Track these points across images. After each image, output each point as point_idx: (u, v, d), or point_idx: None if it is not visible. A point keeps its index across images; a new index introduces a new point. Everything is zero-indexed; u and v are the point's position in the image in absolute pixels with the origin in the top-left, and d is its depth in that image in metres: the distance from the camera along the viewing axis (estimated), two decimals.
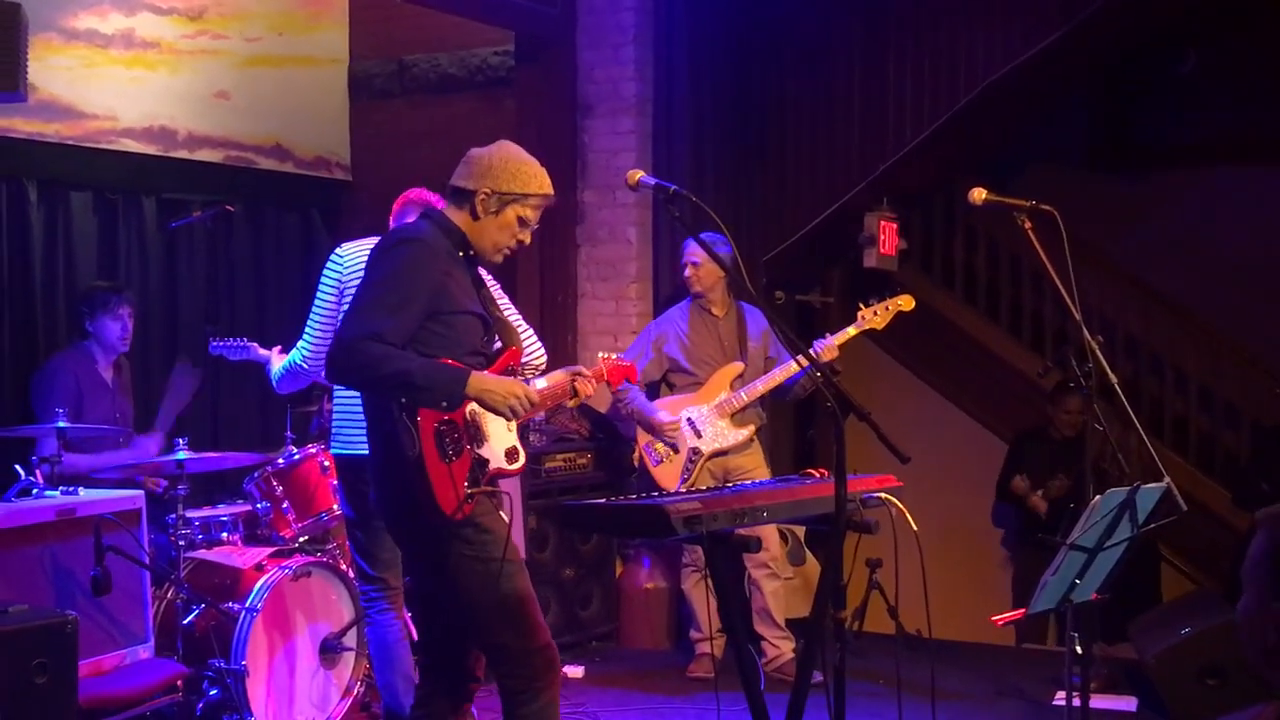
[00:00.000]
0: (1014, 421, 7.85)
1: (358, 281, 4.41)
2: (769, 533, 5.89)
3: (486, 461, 3.46)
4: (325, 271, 4.57)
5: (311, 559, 4.98)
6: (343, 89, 7.81)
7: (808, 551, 6.76)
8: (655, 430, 5.96)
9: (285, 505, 5.20)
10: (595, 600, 6.64)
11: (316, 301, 4.55)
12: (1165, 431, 7.82)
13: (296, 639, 4.91)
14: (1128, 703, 5.60)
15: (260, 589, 4.71)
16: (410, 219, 4.61)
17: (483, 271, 3.72)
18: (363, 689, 5.09)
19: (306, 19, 7.55)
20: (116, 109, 6.40)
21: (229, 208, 6.29)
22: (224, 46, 6.97)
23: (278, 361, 4.77)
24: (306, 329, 4.59)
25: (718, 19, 7.17)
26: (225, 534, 5.14)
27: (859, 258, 7.39)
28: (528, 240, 3.66)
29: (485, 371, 3.48)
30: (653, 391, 6.15)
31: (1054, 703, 5.60)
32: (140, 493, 4.68)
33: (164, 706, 4.51)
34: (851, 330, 5.81)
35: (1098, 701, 5.11)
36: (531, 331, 4.40)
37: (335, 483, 4.99)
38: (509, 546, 3.46)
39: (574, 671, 6.05)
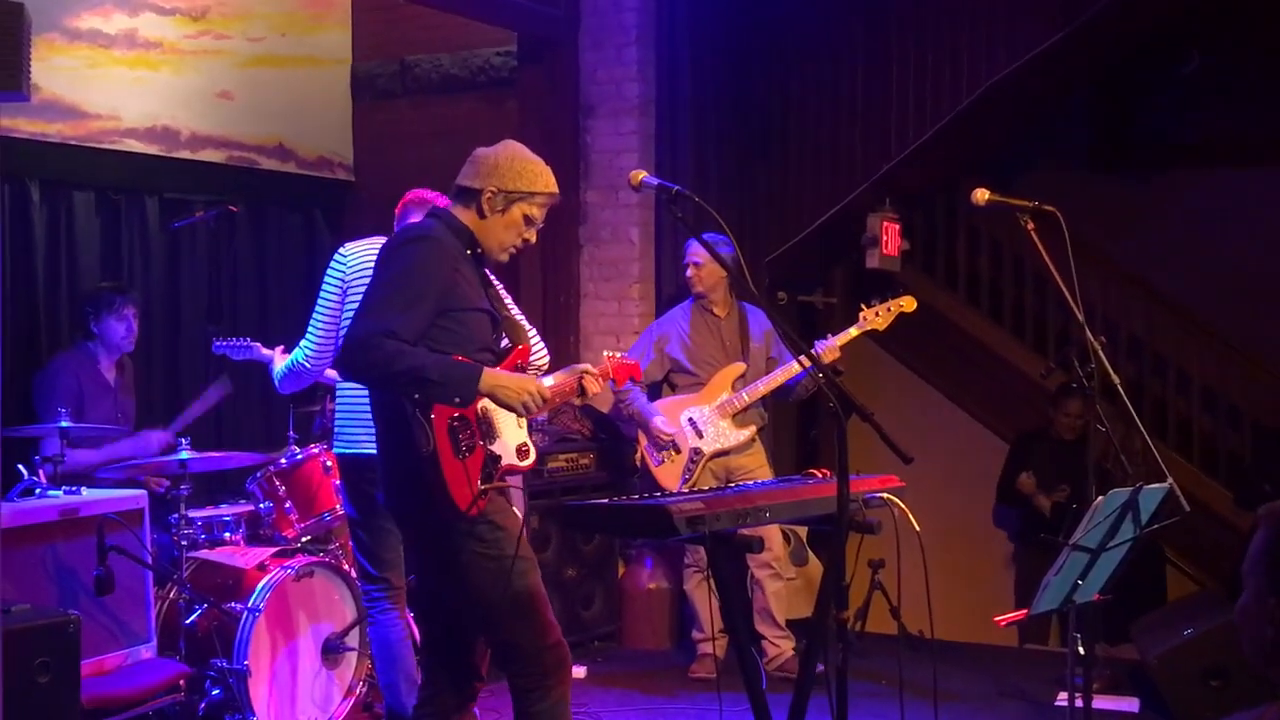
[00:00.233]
0: (1016, 422, 7.85)
1: (361, 281, 4.45)
2: (771, 533, 5.88)
3: (499, 458, 3.48)
4: (328, 271, 4.58)
5: (314, 559, 4.98)
6: (345, 89, 7.82)
7: (810, 552, 6.76)
8: (651, 435, 5.96)
9: (288, 505, 5.21)
10: (597, 600, 6.64)
11: (319, 301, 4.56)
12: (1168, 432, 7.82)
13: (299, 639, 4.91)
14: (1130, 704, 5.59)
15: (263, 589, 4.71)
16: (413, 219, 4.63)
17: (486, 271, 3.73)
18: (365, 689, 5.09)
19: (309, 19, 7.55)
20: (119, 109, 6.41)
21: (232, 208, 6.30)
22: (227, 46, 6.97)
23: (280, 362, 4.78)
24: (309, 329, 4.59)
25: (720, 20, 7.17)
26: (228, 534, 5.15)
27: (862, 258, 7.39)
28: (533, 239, 3.67)
29: (498, 368, 3.50)
30: (655, 392, 6.15)
31: (1056, 703, 5.59)
32: (143, 492, 4.69)
33: (166, 706, 4.51)
34: (853, 331, 5.81)
35: (1100, 702, 5.11)
36: (535, 332, 4.40)
37: (338, 482, 4.99)
38: (522, 543, 3.47)
39: (576, 672, 5.99)
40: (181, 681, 4.55)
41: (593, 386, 3.91)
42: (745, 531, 3.31)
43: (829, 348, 5.72)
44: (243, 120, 7.04)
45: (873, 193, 7.25)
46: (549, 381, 3.90)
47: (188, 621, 4.70)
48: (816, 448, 8.12)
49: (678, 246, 6.51)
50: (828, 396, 3.11)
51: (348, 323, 4.45)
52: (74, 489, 4.48)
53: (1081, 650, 4.07)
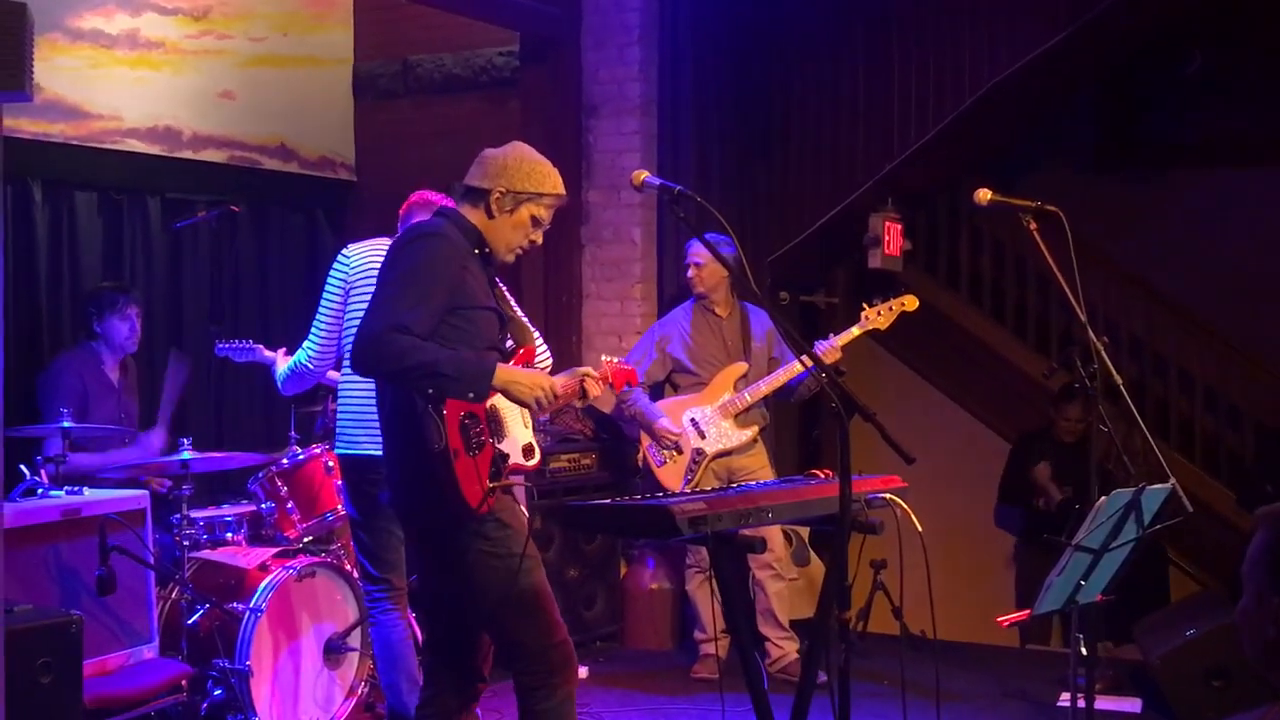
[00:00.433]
0: (1019, 422, 7.85)
1: (364, 283, 4.46)
2: (773, 533, 5.88)
3: (507, 456, 3.49)
4: (331, 272, 4.58)
5: (316, 559, 4.98)
6: (347, 89, 7.82)
7: (812, 552, 6.76)
8: (654, 435, 5.96)
9: (290, 505, 5.21)
10: (599, 601, 6.64)
11: (322, 302, 4.56)
12: (1170, 433, 7.82)
13: (301, 639, 4.91)
14: (1133, 704, 5.59)
15: (264, 589, 4.71)
16: (417, 220, 4.63)
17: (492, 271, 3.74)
18: (367, 689, 5.09)
19: (311, 19, 7.55)
20: (121, 109, 6.41)
21: (234, 208, 6.30)
22: (229, 46, 6.98)
23: (283, 363, 4.78)
24: (312, 330, 4.60)
25: (722, 19, 7.17)
26: (230, 534, 5.14)
27: (864, 258, 7.39)
28: (539, 240, 3.68)
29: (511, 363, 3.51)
30: (657, 392, 6.15)
31: (1059, 704, 5.59)
32: (145, 493, 4.69)
33: (168, 706, 4.51)
34: (855, 330, 5.80)
35: (1102, 703, 5.11)
36: (538, 334, 4.41)
37: (340, 483, 4.99)
38: (529, 542, 3.48)
39: (578, 672, 6.04)
40: (183, 682, 4.54)
41: (594, 389, 3.92)
42: (747, 532, 3.31)
43: (831, 347, 5.71)
44: (245, 120, 7.04)
45: (875, 192, 7.25)
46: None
47: (190, 622, 4.70)
48: (818, 448, 8.12)
49: (680, 247, 6.51)
50: (830, 396, 3.11)
51: (351, 324, 4.48)
52: (76, 489, 4.48)
53: (1084, 651, 4.06)
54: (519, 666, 3.52)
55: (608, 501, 3.41)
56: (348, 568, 5.04)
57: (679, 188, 3.39)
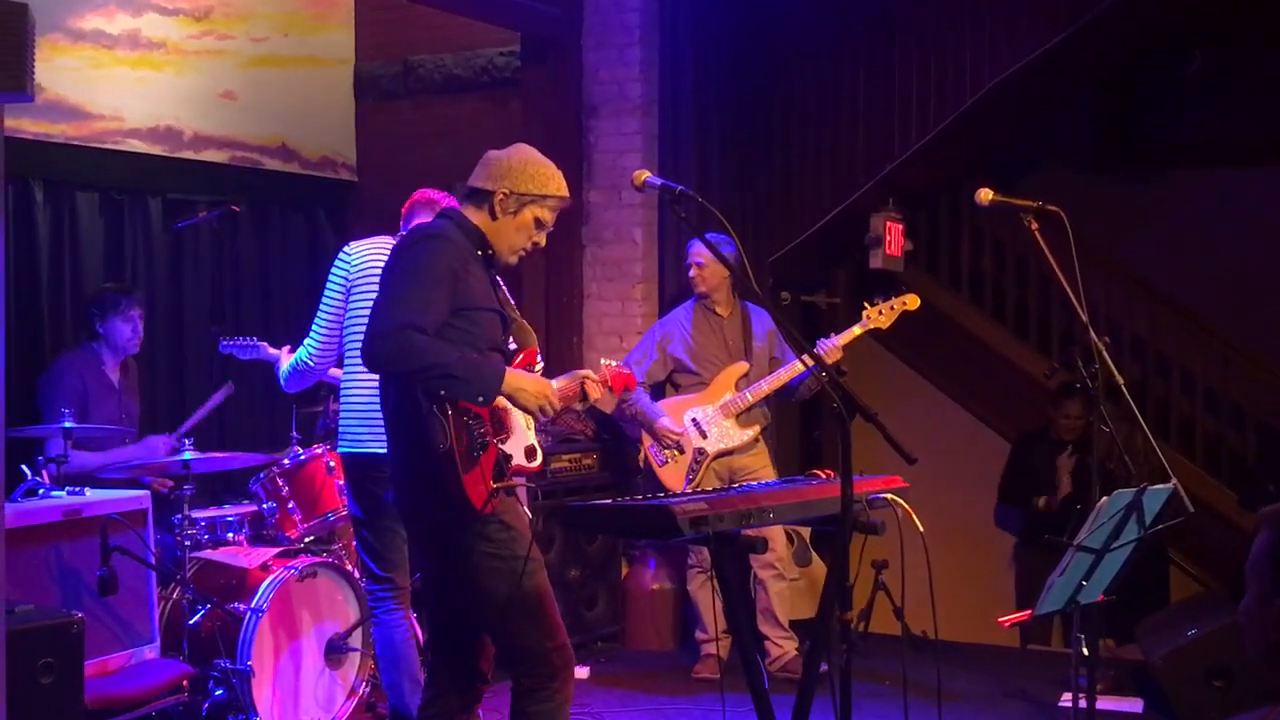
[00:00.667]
0: (1020, 422, 7.85)
1: (364, 282, 4.46)
2: (775, 534, 5.88)
3: (510, 457, 3.49)
4: (332, 271, 4.58)
5: (317, 559, 4.98)
6: (348, 89, 7.82)
7: (813, 552, 6.76)
8: (656, 435, 5.96)
9: (291, 505, 5.21)
10: (601, 601, 6.65)
11: (323, 301, 4.57)
12: (1172, 433, 7.81)
13: (302, 639, 4.91)
14: (1134, 704, 5.59)
15: (266, 589, 4.71)
16: (419, 220, 4.63)
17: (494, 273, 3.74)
18: (368, 689, 5.09)
19: (312, 19, 7.56)
20: (123, 109, 6.41)
21: (235, 208, 6.30)
22: (230, 47, 6.98)
23: (286, 361, 4.78)
24: (313, 328, 4.60)
25: (723, 20, 7.17)
26: (231, 534, 5.14)
27: (865, 258, 7.38)
28: (542, 242, 3.70)
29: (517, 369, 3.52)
30: (658, 392, 6.15)
31: (1060, 704, 5.59)
32: (146, 493, 4.69)
33: (169, 707, 4.51)
34: (856, 330, 5.81)
35: (1104, 703, 5.11)
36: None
37: (341, 483, 4.99)
38: (533, 545, 3.48)
39: (579, 672, 6.04)
40: (185, 682, 4.54)
41: (594, 392, 3.93)
42: (749, 532, 3.31)
43: (832, 347, 5.72)
44: (246, 120, 7.05)
45: (876, 193, 7.25)
46: (554, 385, 3.91)
47: (191, 622, 4.70)
48: (819, 448, 8.12)
49: (681, 247, 6.51)
50: (831, 396, 3.12)
51: (352, 323, 4.48)
52: (77, 489, 4.48)
53: (1085, 651, 4.06)
54: (520, 669, 3.52)
55: (609, 502, 3.41)
56: (349, 568, 5.04)
57: (680, 188, 3.39)
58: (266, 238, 7.24)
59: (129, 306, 5.48)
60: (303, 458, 5.22)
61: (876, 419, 3.05)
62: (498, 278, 3.77)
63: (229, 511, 5.23)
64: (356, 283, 4.49)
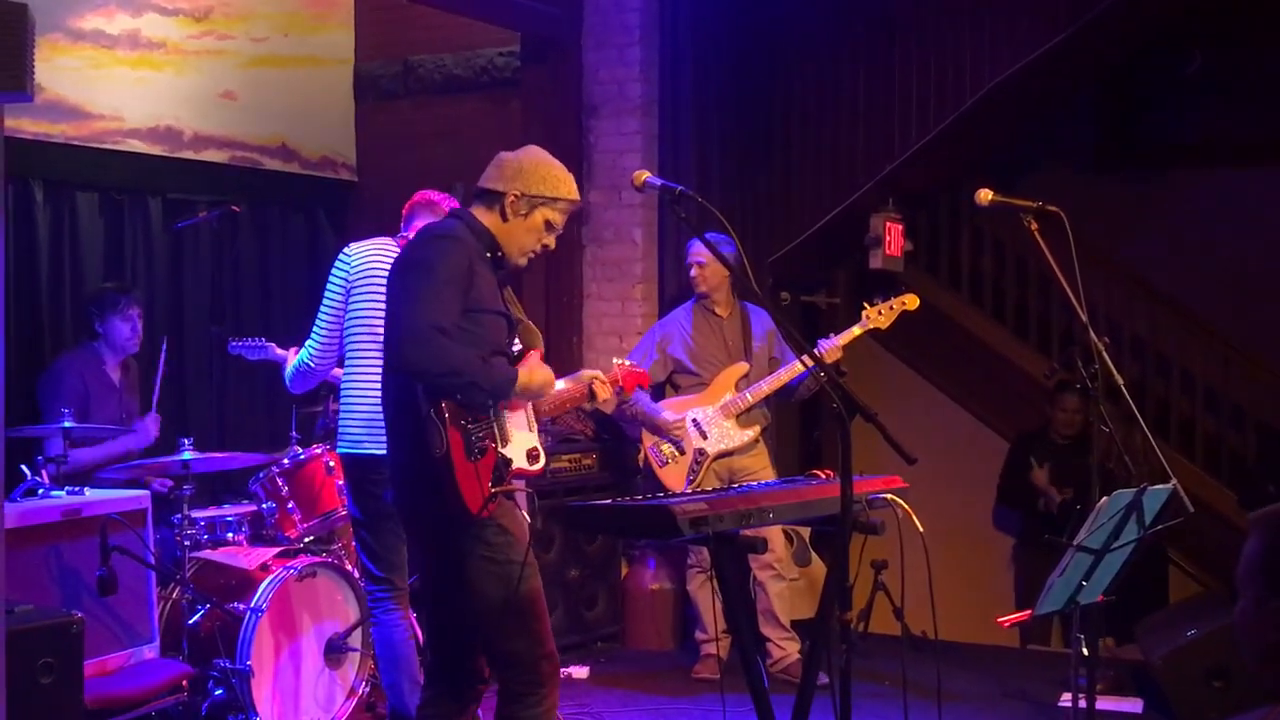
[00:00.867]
0: (1020, 423, 7.84)
1: (364, 282, 4.46)
2: (774, 534, 5.88)
3: (510, 461, 3.49)
4: (333, 271, 4.58)
5: (317, 559, 4.98)
6: (348, 90, 7.82)
7: (813, 553, 6.75)
8: (660, 430, 5.95)
9: (291, 505, 5.21)
10: (600, 601, 6.64)
11: (323, 302, 4.56)
12: (1171, 433, 7.81)
13: (302, 639, 4.91)
14: (1133, 704, 5.59)
15: (265, 589, 4.71)
16: (420, 220, 4.63)
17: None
18: (368, 689, 5.09)
19: (312, 19, 7.56)
20: (122, 109, 6.41)
21: (235, 208, 6.30)
22: (230, 47, 6.98)
23: (292, 361, 4.78)
24: (314, 329, 4.59)
25: (723, 20, 7.16)
26: (231, 534, 5.14)
27: (865, 259, 7.38)
28: (552, 245, 3.70)
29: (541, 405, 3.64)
30: (657, 393, 6.15)
31: (1060, 704, 5.59)
32: (146, 493, 4.69)
33: (169, 706, 4.51)
34: (856, 330, 5.81)
35: (1103, 703, 5.10)
36: None
37: (341, 483, 4.99)
38: (529, 551, 3.48)
39: (579, 672, 6.05)
40: (184, 682, 4.55)
41: (602, 392, 3.93)
42: (748, 532, 3.31)
43: (832, 347, 5.72)
44: (246, 120, 7.05)
45: (876, 193, 7.24)
46: (561, 385, 3.93)
47: (191, 622, 4.70)
48: (819, 448, 8.11)
49: (681, 247, 6.52)
50: (831, 397, 3.11)
51: (353, 323, 4.47)
52: (77, 489, 4.48)
53: (1085, 651, 4.06)
54: (509, 674, 3.53)
55: (609, 502, 3.42)
56: (349, 568, 5.04)
57: (680, 188, 3.39)
58: (266, 238, 7.24)
59: (128, 305, 5.48)
60: (302, 458, 5.22)
61: (876, 419, 3.05)
62: (508, 280, 3.76)
63: (228, 511, 5.23)
64: (357, 283, 4.49)
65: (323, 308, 4.56)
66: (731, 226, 3.58)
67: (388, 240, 4.58)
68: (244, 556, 4.95)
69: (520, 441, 3.58)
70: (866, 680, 5.39)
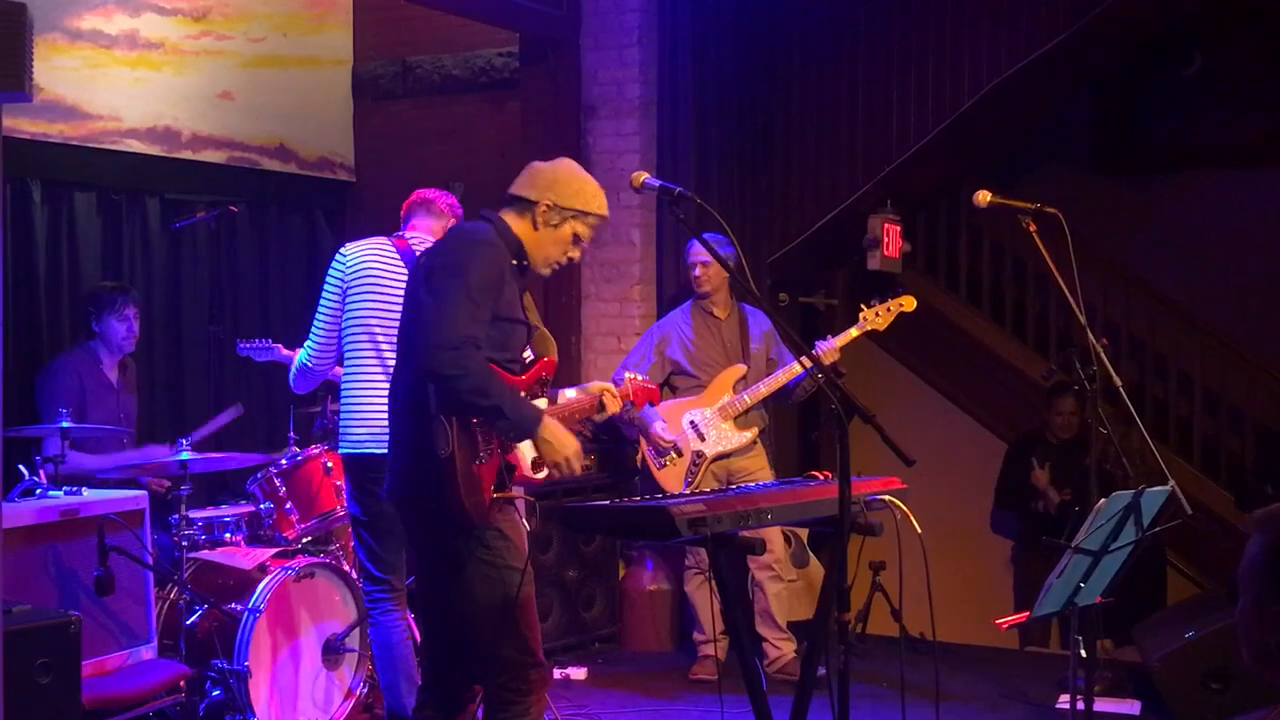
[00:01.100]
0: (1018, 424, 7.85)
1: (360, 282, 4.45)
2: (773, 535, 5.88)
3: (514, 467, 3.49)
4: (329, 271, 4.57)
5: (315, 560, 4.98)
6: (347, 90, 7.82)
7: (811, 554, 6.75)
8: (650, 440, 5.95)
9: (288, 506, 5.21)
10: (598, 602, 6.64)
11: (321, 302, 4.56)
12: (1170, 435, 7.81)
13: (299, 640, 4.91)
14: (1131, 706, 5.59)
15: (263, 590, 4.71)
16: (418, 219, 4.63)
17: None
18: (365, 690, 5.09)
19: (311, 20, 7.55)
20: (121, 109, 6.41)
21: (233, 208, 6.30)
22: (228, 47, 6.98)
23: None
24: (312, 329, 4.59)
25: (722, 21, 7.16)
26: (228, 535, 5.14)
27: (863, 260, 7.39)
28: (577, 258, 3.70)
29: (551, 415, 3.52)
30: None
31: (1058, 706, 5.59)
32: (144, 493, 4.69)
33: (167, 707, 4.51)
34: (854, 331, 5.80)
35: (1101, 705, 5.10)
36: None
37: (339, 483, 4.98)
38: (527, 559, 3.49)
39: (577, 673, 6.05)
40: (182, 682, 4.54)
41: (612, 405, 3.93)
42: (747, 533, 3.31)
43: (829, 349, 5.71)
44: (244, 121, 7.04)
45: (874, 194, 7.25)
46: (571, 394, 3.92)
47: (188, 622, 4.69)
48: (817, 450, 8.11)
49: (679, 248, 6.51)
50: (829, 398, 3.11)
51: (350, 323, 4.47)
52: (74, 489, 4.47)
53: (1083, 653, 4.06)
54: (498, 679, 3.52)
55: (607, 503, 3.42)
56: (346, 568, 5.04)
57: (679, 189, 3.39)
58: (264, 238, 7.23)
59: (124, 305, 5.47)
60: (300, 458, 5.22)
61: (874, 420, 3.05)
62: (526, 287, 3.75)
63: (226, 512, 5.23)
64: (353, 283, 4.49)
65: (320, 308, 4.56)
66: (730, 228, 3.58)
67: (384, 240, 4.58)
68: (242, 557, 4.95)
69: (526, 449, 3.58)
70: (865, 681, 5.39)
